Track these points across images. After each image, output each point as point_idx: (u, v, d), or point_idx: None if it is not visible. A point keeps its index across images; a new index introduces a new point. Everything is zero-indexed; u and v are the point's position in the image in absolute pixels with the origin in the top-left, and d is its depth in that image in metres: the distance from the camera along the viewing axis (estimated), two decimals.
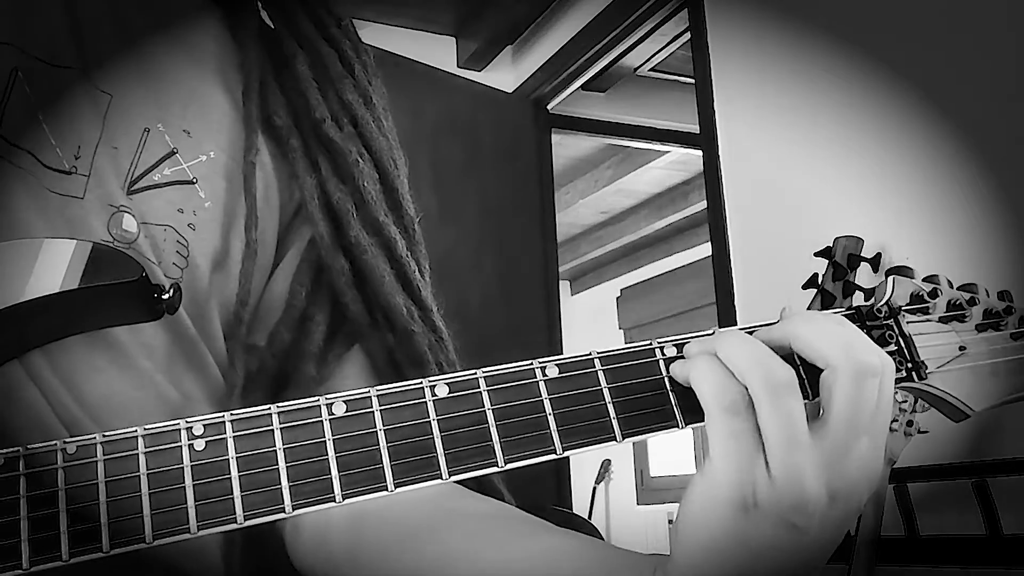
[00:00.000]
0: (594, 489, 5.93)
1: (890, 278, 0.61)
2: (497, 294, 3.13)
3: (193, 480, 0.51)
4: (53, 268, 0.59)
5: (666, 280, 5.98)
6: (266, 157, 0.79)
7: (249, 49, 0.82)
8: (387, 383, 0.75)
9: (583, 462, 5.67)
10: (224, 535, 0.69)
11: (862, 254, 1.85)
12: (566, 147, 4.69)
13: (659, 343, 0.57)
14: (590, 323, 6.50)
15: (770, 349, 0.52)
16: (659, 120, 3.94)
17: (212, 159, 0.76)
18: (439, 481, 0.52)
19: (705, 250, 3.81)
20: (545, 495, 3.15)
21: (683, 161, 4.76)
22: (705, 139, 2.57)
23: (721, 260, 2.47)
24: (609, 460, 6.04)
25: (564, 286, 6.59)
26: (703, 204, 2.76)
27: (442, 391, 0.54)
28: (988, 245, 1.77)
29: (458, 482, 0.54)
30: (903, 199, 1.95)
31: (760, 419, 0.51)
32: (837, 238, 1.87)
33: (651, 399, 0.55)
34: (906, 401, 1.69)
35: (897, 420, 1.69)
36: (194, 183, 0.74)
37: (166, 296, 0.63)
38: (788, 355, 0.54)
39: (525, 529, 0.65)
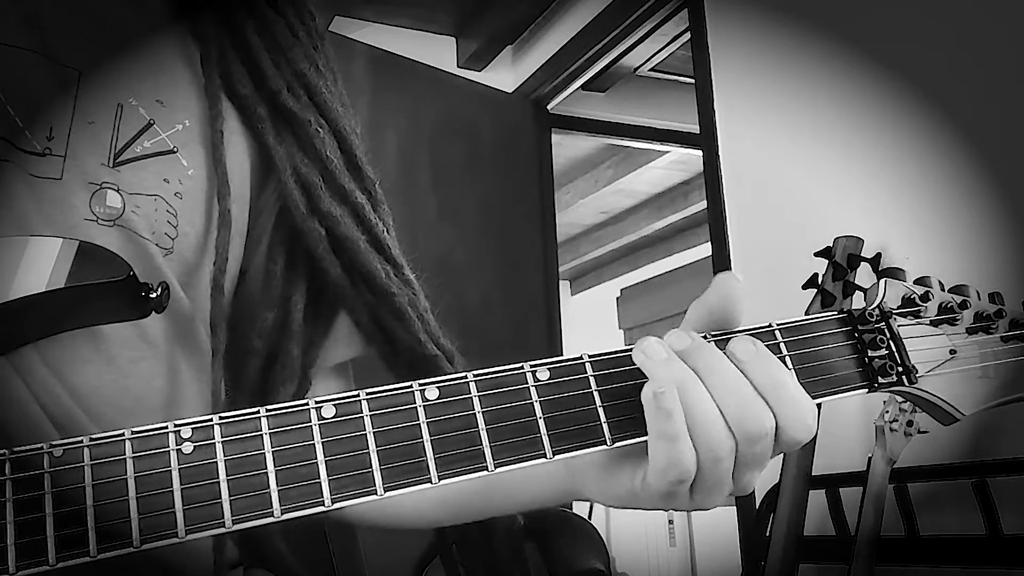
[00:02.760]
0: None
1: (882, 281, 0.61)
2: (497, 294, 3.12)
3: (181, 484, 0.50)
4: (39, 267, 0.59)
5: (666, 280, 5.98)
6: (234, 123, 0.79)
7: (202, 16, 0.81)
8: (373, 341, 0.78)
9: None
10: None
11: (862, 254, 1.85)
12: (566, 147, 4.68)
13: None
14: (590, 323, 6.49)
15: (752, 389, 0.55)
16: (659, 120, 3.93)
17: (188, 127, 0.76)
18: (428, 486, 0.52)
19: (705, 250, 3.81)
20: None
21: (683, 161, 4.76)
22: (705, 139, 2.57)
23: (721, 260, 2.47)
24: None
25: (564, 286, 6.59)
26: (703, 204, 2.76)
27: (432, 394, 0.54)
28: (988, 245, 1.77)
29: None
30: (903, 199, 1.95)
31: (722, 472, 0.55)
32: (837, 238, 1.86)
33: (642, 404, 0.54)
34: (906, 401, 1.69)
35: (897, 420, 1.69)
36: (175, 152, 0.74)
37: (153, 295, 0.62)
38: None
39: None
